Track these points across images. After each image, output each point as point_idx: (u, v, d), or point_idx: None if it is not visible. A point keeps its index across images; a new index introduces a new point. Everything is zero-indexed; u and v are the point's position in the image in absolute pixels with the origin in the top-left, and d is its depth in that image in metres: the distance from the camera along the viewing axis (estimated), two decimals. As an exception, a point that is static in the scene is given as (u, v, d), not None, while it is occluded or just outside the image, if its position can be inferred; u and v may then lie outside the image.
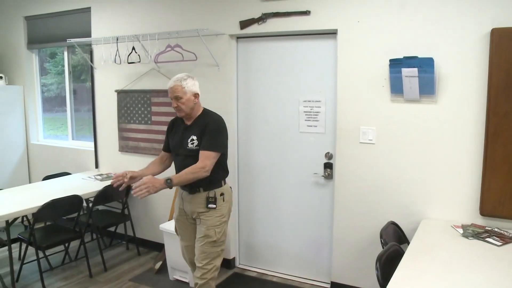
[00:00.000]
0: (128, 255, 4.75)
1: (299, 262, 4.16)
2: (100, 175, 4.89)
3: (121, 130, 4.90)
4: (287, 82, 3.99)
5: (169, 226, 4.02)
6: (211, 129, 3.08)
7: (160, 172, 3.37)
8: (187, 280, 4.02)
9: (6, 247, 3.82)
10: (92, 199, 4.33)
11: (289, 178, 4.10)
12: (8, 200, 3.99)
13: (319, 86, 3.83)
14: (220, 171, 3.18)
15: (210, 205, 3.13)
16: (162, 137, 4.45)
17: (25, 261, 4.07)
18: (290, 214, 4.14)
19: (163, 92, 4.46)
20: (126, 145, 4.88)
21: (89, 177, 4.87)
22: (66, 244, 4.47)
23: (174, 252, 4.01)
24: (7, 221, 3.69)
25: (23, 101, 5.86)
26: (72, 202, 4.05)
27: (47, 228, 4.39)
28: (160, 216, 4.69)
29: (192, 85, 3.16)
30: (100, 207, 4.87)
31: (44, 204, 3.75)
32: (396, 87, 3.36)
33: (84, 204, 4.32)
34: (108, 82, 4.91)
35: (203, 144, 3.06)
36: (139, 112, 4.71)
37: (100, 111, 5.07)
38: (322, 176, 3.91)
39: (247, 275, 4.26)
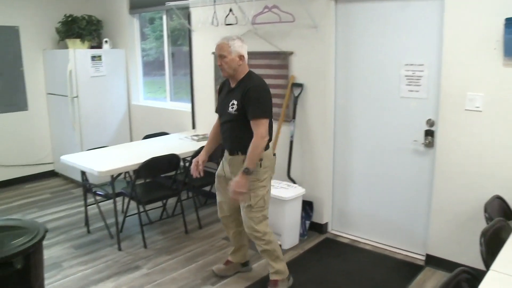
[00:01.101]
0: (221, 215, 4.90)
1: (393, 231, 4.04)
2: (196, 135, 5.03)
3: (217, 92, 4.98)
4: (388, 44, 3.78)
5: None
6: (253, 97, 3.02)
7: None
8: (279, 242, 4.06)
9: (112, 200, 4.10)
10: (189, 158, 4.47)
11: (387, 144, 3.95)
12: (113, 157, 4.24)
13: (422, 49, 3.60)
14: None
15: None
16: (256, 100, 4.50)
17: (127, 214, 4.36)
18: (386, 182, 4.01)
19: (259, 55, 4.44)
20: (222, 107, 4.96)
21: (186, 137, 5.03)
22: (164, 201, 4.70)
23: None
24: (112, 176, 3.94)
25: (126, 64, 6.14)
26: (170, 160, 4.21)
27: (147, 185, 4.64)
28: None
29: (239, 47, 3.07)
30: (197, 167, 5.03)
31: (145, 161, 3.94)
32: (511, 50, 3.06)
33: (181, 163, 4.47)
34: (205, 45, 4.99)
35: (250, 114, 3.02)
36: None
37: (198, 73, 5.19)
38: (422, 143, 3.71)
39: (339, 241, 4.23)
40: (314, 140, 4.22)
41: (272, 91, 4.36)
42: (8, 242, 2.52)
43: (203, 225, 4.59)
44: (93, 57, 5.73)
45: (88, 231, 4.45)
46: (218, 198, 3.47)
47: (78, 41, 5.79)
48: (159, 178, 4.82)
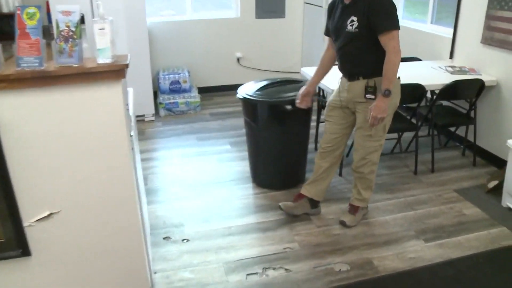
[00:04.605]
0: (460, 162, 4.24)
1: None
2: (452, 67, 4.33)
3: (489, 17, 4.10)
4: None
5: (518, 144, 3.31)
6: (381, 7, 2.71)
7: (331, 68, 3.22)
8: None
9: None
10: (437, 91, 3.92)
11: None
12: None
13: None
14: (383, 56, 2.75)
15: (368, 95, 2.88)
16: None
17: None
18: None
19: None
20: (491, 36, 4.09)
21: (439, 67, 4.38)
22: (400, 133, 4.29)
23: (516, 176, 3.33)
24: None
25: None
26: (414, 91, 3.78)
27: (384, 113, 4.27)
28: (511, 129, 3.93)
29: None
30: (444, 103, 4.40)
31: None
32: None
33: (428, 95, 3.98)
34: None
35: (380, 26, 2.70)
36: (517, -3, 3.80)
37: (469, -8, 4.36)
38: None
39: None
40: None
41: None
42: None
43: (436, 169, 4.05)
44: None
45: (315, 148, 4.39)
46: (327, 128, 3.22)
47: None
48: (400, 108, 4.38)
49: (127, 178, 2.19)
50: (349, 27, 2.81)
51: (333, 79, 3.41)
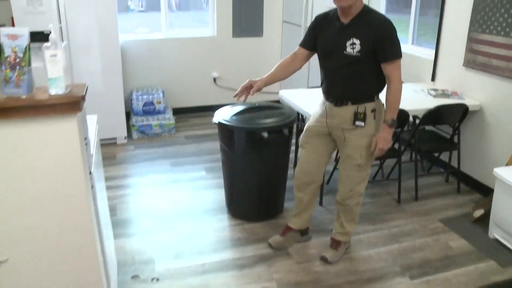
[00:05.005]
0: (445, 189, 4.08)
1: None
2: (434, 90, 4.20)
3: (471, 40, 4.01)
4: None
5: (507, 173, 3.15)
6: (389, 34, 2.57)
7: (286, 77, 3.03)
8: (511, 246, 3.16)
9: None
10: (420, 116, 3.78)
11: None
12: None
13: None
14: (375, 81, 2.70)
15: (357, 123, 2.70)
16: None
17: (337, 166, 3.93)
18: None
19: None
20: (474, 59, 3.99)
21: (422, 90, 4.26)
22: (382, 160, 4.13)
23: (504, 208, 3.16)
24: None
25: (370, -4, 5.51)
26: (398, 115, 3.55)
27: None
28: (497, 156, 3.79)
29: None
30: (427, 127, 4.27)
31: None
32: None
33: (410, 119, 3.86)
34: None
35: (389, 54, 2.58)
36: (501, 19, 3.70)
37: (450, 14, 4.24)
38: None
39: None
40: None
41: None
42: (280, 117, 3.34)
43: (420, 197, 3.89)
44: (333, -13, 5.25)
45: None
46: (303, 157, 3.00)
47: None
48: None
49: (85, 222, 1.96)
50: (349, 50, 2.60)
51: (312, 104, 3.25)
